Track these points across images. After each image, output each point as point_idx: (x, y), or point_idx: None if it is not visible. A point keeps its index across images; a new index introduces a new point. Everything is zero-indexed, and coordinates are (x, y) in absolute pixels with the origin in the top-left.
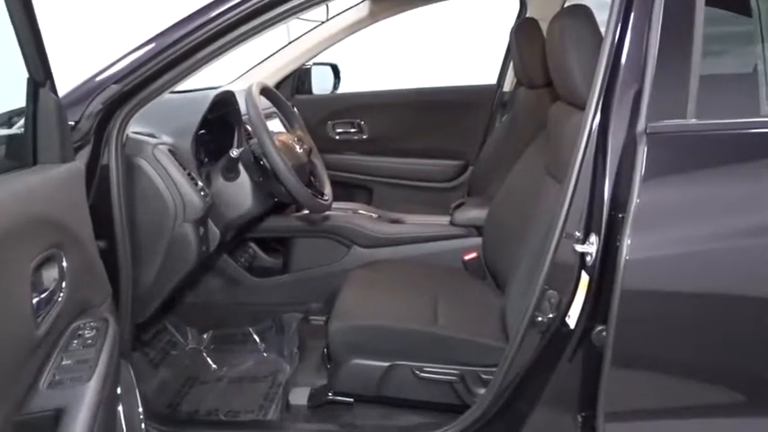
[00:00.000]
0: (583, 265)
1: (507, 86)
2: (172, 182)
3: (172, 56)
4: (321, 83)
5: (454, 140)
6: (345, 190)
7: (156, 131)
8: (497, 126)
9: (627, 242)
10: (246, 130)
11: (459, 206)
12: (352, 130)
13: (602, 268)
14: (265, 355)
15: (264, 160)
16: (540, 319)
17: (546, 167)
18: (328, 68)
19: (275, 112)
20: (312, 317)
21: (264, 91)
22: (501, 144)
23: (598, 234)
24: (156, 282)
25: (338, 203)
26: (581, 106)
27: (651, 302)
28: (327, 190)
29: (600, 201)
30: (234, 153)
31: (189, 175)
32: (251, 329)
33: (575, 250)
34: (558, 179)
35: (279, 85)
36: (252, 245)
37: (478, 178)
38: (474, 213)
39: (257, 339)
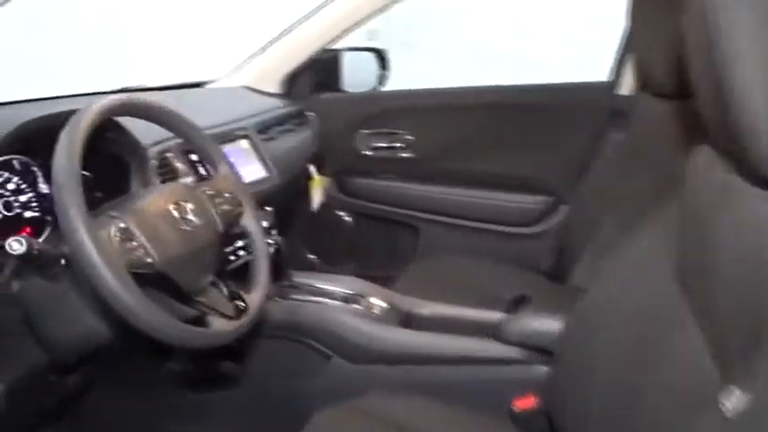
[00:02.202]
0: None
1: (625, 88)
2: None
3: None
4: (358, 75)
5: (540, 165)
6: (382, 228)
7: None
8: (607, 148)
9: None
10: (161, 165)
11: (520, 302)
12: (397, 145)
13: None
14: None
15: None
16: None
17: (678, 271)
18: (370, 56)
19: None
20: None
21: (126, 109)
22: (609, 180)
23: None
24: None
25: (320, 280)
26: (763, 177)
27: None
28: (257, 291)
29: None
30: (15, 248)
31: None
32: None
33: None
34: (702, 316)
35: (294, 78)
36: None
37: (578, 226)
38: (540, 324)
39: None
